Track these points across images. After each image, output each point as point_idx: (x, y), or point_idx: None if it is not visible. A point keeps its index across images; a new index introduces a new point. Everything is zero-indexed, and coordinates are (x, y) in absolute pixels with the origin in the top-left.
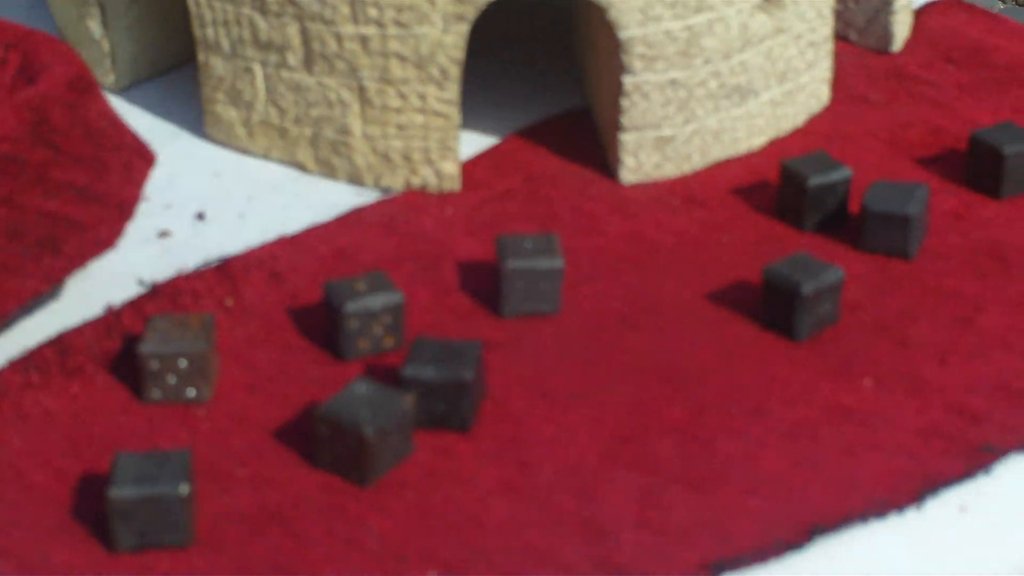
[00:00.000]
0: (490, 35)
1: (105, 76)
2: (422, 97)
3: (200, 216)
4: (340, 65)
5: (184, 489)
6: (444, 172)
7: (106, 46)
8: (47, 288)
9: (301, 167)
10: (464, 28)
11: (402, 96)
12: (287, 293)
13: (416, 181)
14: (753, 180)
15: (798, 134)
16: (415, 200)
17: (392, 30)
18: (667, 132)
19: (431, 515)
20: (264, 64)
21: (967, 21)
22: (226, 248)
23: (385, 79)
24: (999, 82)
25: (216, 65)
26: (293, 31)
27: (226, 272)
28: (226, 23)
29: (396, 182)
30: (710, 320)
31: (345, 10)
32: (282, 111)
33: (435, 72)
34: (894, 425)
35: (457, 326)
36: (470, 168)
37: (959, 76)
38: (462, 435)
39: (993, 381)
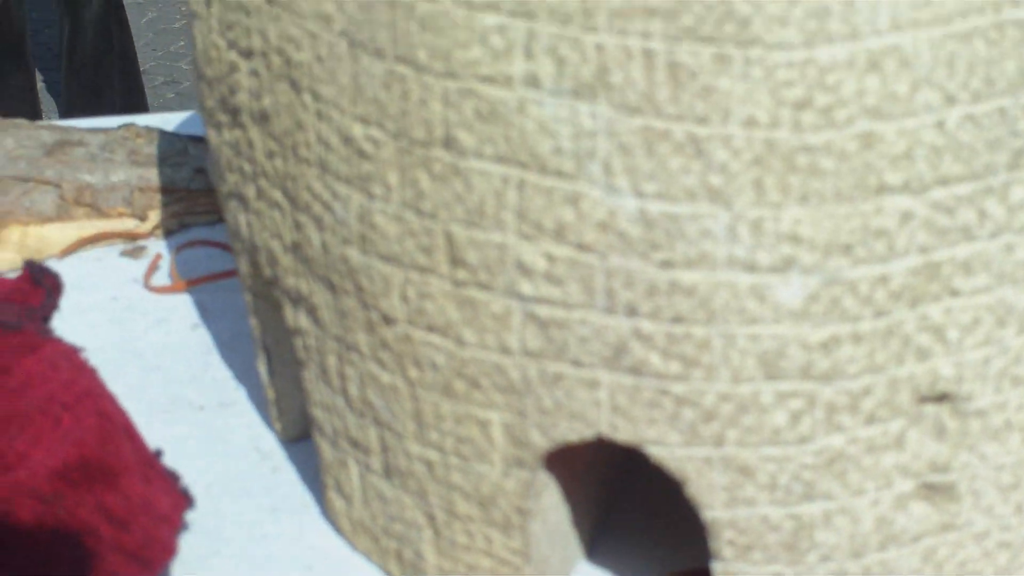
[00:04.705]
0: None
1: (274, 423)
2: (488, 540)
3: None
4: (412, 484)
5: None
6: None
7: (271, 393)
8: None
9: None
10: (526, 475)
11: (469, 534)
12: None
13: None
14: None
15: None
16: None
17: (453, 460)
18: None
19: None
20: (357, 462)
21: None
22: None
23: (452, 512)
24: None
25: (324, 448)
26: (373, 435)
27: None
28: (326, 408)
29: None
30: None
31: (411, 426)
32: (374, 516)
33: (498, 517)
34: None
35: None
36: None
37: None
38: None
39: None
